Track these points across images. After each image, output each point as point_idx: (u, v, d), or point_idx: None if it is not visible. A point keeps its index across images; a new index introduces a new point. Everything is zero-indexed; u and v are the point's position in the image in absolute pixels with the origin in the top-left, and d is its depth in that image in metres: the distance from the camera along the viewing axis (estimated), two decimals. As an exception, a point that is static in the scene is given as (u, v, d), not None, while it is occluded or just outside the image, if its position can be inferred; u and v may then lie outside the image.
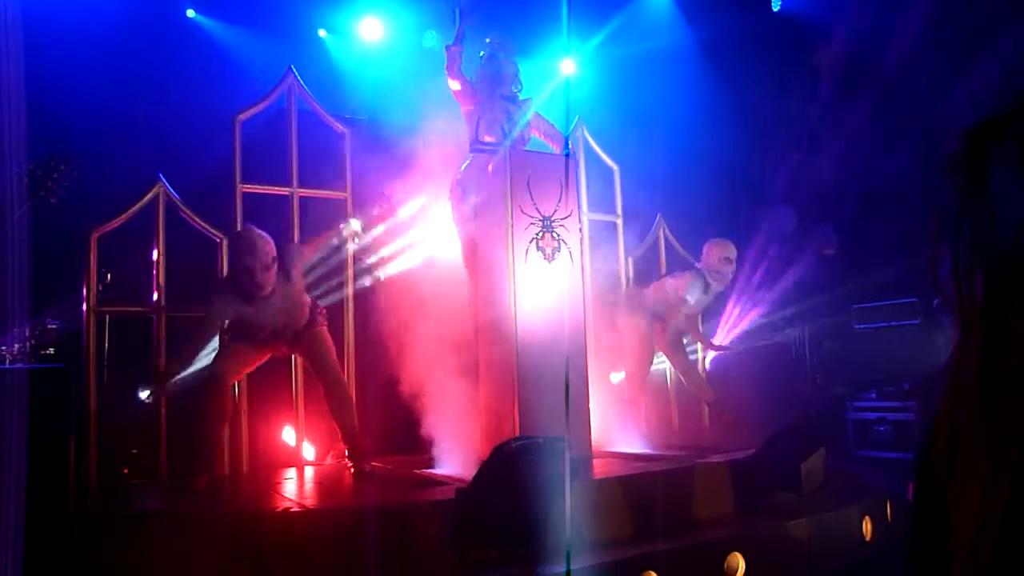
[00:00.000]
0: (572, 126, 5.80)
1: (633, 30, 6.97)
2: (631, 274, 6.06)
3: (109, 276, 4.99)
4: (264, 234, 4.04)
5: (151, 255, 4.60)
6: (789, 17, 7.49)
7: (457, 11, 4.91)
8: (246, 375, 4.49)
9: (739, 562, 3.38)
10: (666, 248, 6.27)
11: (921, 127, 5.28)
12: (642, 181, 6.31)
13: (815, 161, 6.65)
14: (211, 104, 5.30)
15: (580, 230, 4.52)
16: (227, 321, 4.19)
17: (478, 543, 3.10)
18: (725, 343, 6.27)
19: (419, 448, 4.53)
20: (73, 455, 3.44)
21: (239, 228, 4.56)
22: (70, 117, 4.87)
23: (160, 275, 4.56)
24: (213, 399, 4.13)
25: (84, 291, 4.36)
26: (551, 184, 4.34)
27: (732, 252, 5.58)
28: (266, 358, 4.38)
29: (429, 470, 4.27)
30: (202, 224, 4.72)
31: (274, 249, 4.05)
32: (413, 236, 5.17)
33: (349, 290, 5.09)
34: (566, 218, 4.37)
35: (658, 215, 6.31)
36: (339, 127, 5.28)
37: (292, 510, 3.41)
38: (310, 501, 3.78)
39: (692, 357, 6.14)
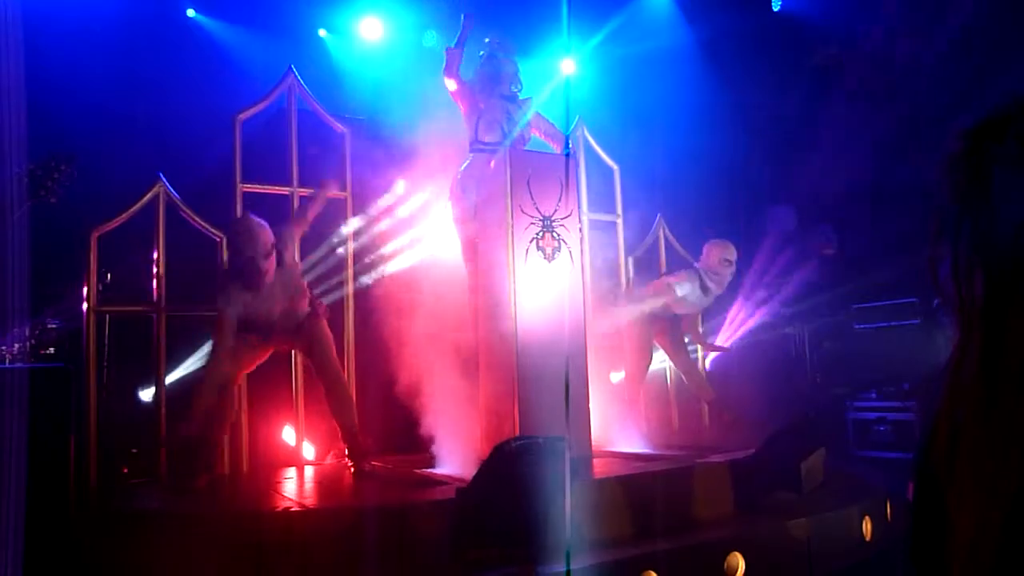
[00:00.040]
0: (572, 126, 5.80)
1: (633, 30, 6.97)
2: (631, 274, 6.06)
3: (109, 276, 4.99)
4: (262, 221, 4.05)
5: (151, 255, 4.60)
6: (789, 17, 7.48)
7: (463, 16, 4.92)
8: (246, 375, 4.49)
9: (739, 562, 3.38)
10: (666, 248, 6.27)
11: (921, 127, 5.28)
12: (642, 181, 6.32)
13: (815, 161, 6.65)
14: (211, 104, 5.30)
15: (580, 230, 4.52)
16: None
17: (478, 543, 3.10)
18: (725, 344, 6.27)
19: (419, 448, 4.53)
20: (73, 455, 3.44)
21: (237, 216, 4.56)
22: (70, 117, 4.87)
23: (160, 275, 4.56)
24: (217, 400, 4.14)
25: (84, 291, 4.36)
26: (551, 184, 4.34)
27: (732, 254, 5.55)
28: (268, 354, 4.38)
29: (429, 470, 4.27)
30: (202, 224, 4.72)
31: (272, 236, 4.06)
32: (413, 235, 5.18)
33: (349, 289, 5.09)
34: (566, 218, 4.37)
35: (658, 215, 6.31)
36: (339, 127, 5.28)
37: (292, 510, 3.41)
38: (310, 501, 3.78)
39: (692, 356, 6.14)
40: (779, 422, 4.34)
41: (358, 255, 5.19)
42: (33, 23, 4.36)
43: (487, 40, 4.96)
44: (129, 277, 4.99)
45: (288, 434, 5.06)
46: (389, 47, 6.85)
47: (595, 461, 4.32)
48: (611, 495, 3.56)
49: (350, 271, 5.12)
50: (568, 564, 2.87)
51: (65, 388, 3.44)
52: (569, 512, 2.98)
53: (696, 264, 5.71)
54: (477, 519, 3.09)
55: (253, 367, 4.35)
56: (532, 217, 4.26)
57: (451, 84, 4.80)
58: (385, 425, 4.95)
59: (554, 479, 3.08)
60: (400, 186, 5.25)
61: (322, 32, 6.94)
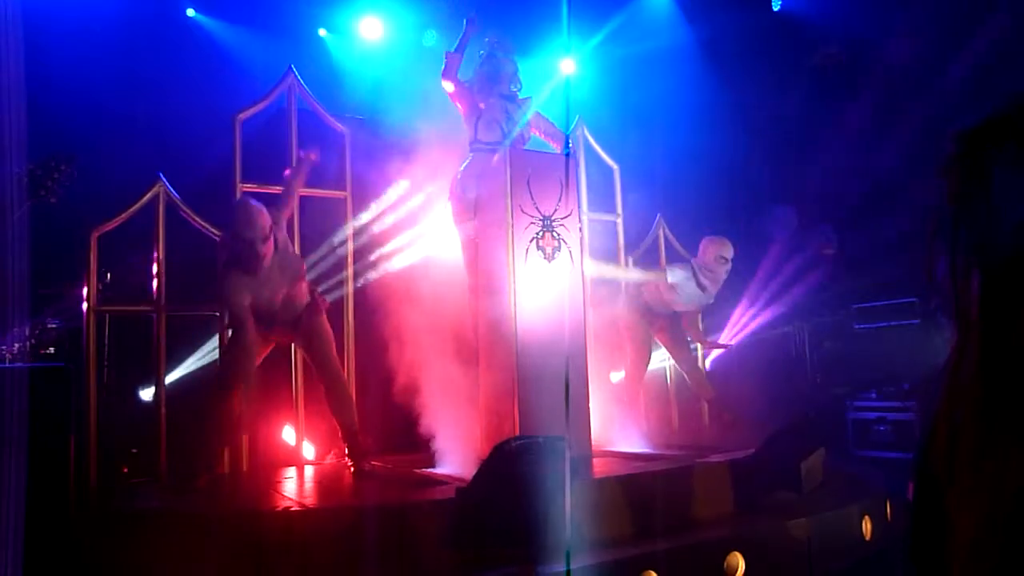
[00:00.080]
0: (572, 125, 5.80)
1: (633, 29, 6.97)
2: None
3: (109, 275, 4.99)
4: (260, 205, 4.05)
5: (151, 254, 4.60)
6: (789, 17, 7.48)
7: (465, 20, 4.92)
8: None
9: (739, 561, 3.38)
10: (666, 248, 6.27)
11: (922, 126, 5.28)
12: (642, 181, 6.31)
13: (815, 161, 6.65)
14: (211, 103, 5.30)
15: (580, 229, 4.52)
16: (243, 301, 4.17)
17: (478, 542, 3.10)
18: (725, 342, 6.27)
19: (419, 447, 4.53)
20: (73, 454, 3.44)
21: (237, 199, 4.55)
22: (70, 117, 4.87)
23: (160, 274, 4.56)
24: (223, 402, 4.14)
25: (84, 290, 4.36)
26: (551, 183, 4.34)
27: (728, 251, 5.51)
28: (269, 349, 4.36)
29: (429, 469, 4.27)
30: (202, 223, 4.72)
31: (269, 219, 4.06)
32: (413, 234, 5.18)
33: (349, 288, 5.10)
34: (566, 217, 4.37)
35: (658, 215, 6.31)
36: (339, 126, 5.28)
37: (292, 509, 3.41)
38: (310, 500, 3.78)
39: (693, 355, 6.13)
40: (779, 422, 4.34)
41: (358, 254, 5.19)
42: (33, 22, 4.36)
43: (486, 39, 4.96)
44: (129, 277, 4.99)
45: (288, 434, 5.06)
46: (389, 47, 6.85)
47: (595, 461, 4.32)
48: (611, 495, 3.56)
49: (350, 270, 5.12)
50: (568, 564, 2.87)
51: (65, 388, 3.44)
52: (569, 512, 2.98)
53: (692, 260, 5.69)
54: (477, 519, 3.09)
55: (257, 363, 4.34)
56: (532, 217, 4.26)
57: (448, 86, 4.80)
58: (385, 424, 4.95)
59: (554, 479, 3.08)
60: (400, 185, 5.25)
61: (322, 32, 6.94)
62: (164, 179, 4.63)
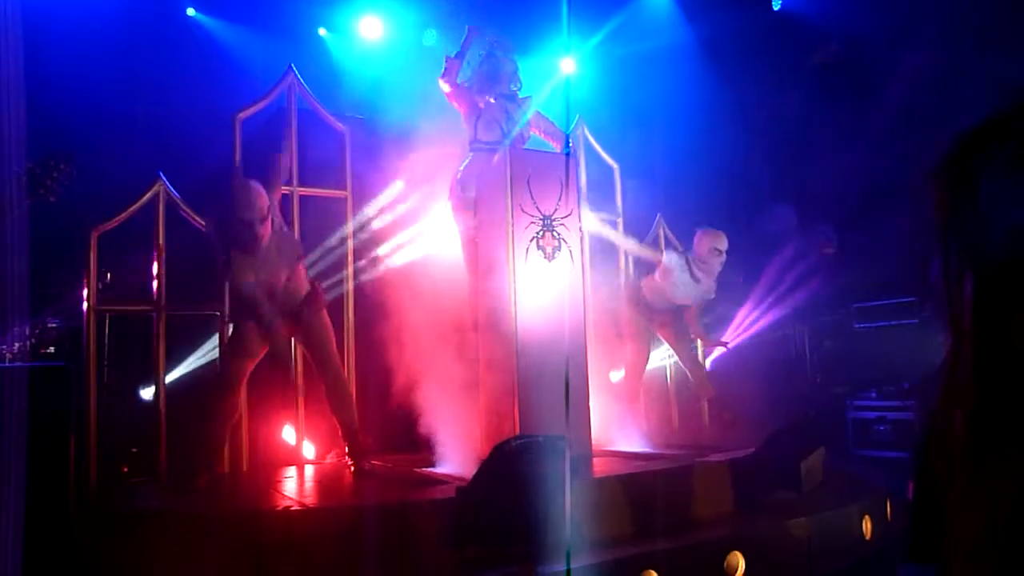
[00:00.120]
0: (572, 125, 5.80)
1: (633, 29, 6.97)
2: (631, 273, 6.06)
3: (109, 275, 4.99)
4: (259, 185, 4.04)
5: (151, 254, 4.60)
6: (789, 16, 7.48)
7: (467, 26, 4.91)
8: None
9: (739, 561, 3.38)
10: (666, 247, 6.26)
11: (922, 125, 5.28)
12: (642, 180, 6.31)
13: (815, 160, 6.65)
14: (211, 103, 5.30)
15: (580, 229, 4.52)
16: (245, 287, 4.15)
17: (478, 542, 3.10)
18: (727, 342, 6.25)
19: (419, 447, 4.53)
20: (73, 454, 3.44)
21: (236, 179, 4.54)
22: (70, 115, 4.86)
23: (160, 274, 4.56)
24: (222, 400, 4.15)
25: (84, 290, 4.36)
26: (551, 183, 4.34)
27: (723, 244, 5.49)
28: (268, 345, 4.34)
29: (429, 469, 4.26)
30: (202, 223, 4.72)
31: (268, 200, 4.05)
32: (414, 233, 5.17)
33: (349, 287, 5.09)
34: (566, 217, 4.37)
35: (658, 214, 6.31)
36: (339, 125, 5.28)
37: (292, 509, 3.41)
38: (310, 500, 3.78)
39: (694, 351, 6.12)
40: (779, 421, 4.34)
41: (358, 253, 5.19)
42: (33, 21, 4.36)
43: (486, 38, 4.95)
44: (129, 276, 4.99)
45: (288, 433, 5.06)
46: (389, 46, 6.85)
47: (595, 460, 4.32)
48: (611, 494, 3.56)
49: (350, 269, 5.12)
50: (568, 563, 2.87)
51: (65, 387, 3.44)
52: (569, 511, 2.98)
53: (687, 253, 5.68)
54: (477, 518, 3.09)
55: (257, 360, 4.33)
56: (532, 216, 4.26)
57: (446, 88, 4.80)
58: (385, 424, 4.96)
59: (554, 478, 3.08)
60: (400, 184, 5.24)
61: (322, 31, 6.93)
62: (164, 178, 4.62)
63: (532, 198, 4.27)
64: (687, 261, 5.55)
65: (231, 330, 4.38)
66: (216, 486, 4.14)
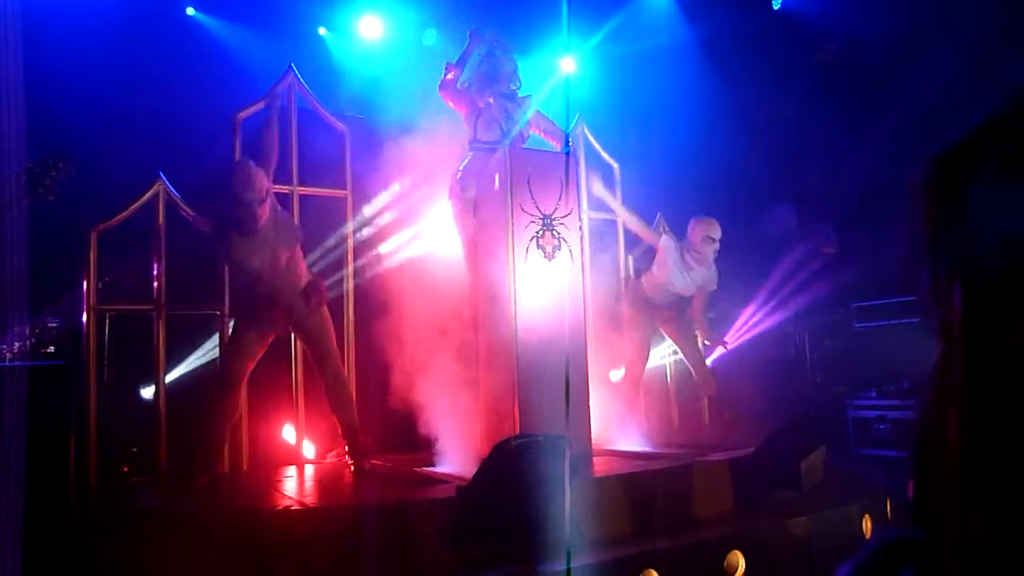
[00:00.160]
0: (572, 124, 5.79)
1: (633, 28, 6.97)
2: (631, 272, 6.06)
3: (109, 274, 4.99)
4: (257, 167, 4.03)
5: (151, 253, 4.60)
6: (789, 15, 7.48)
7: (468, 32, 4.91)
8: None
9: (739, 560, 3.38)
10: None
11: (922, 124, 5.28)
12: (643, 179, 6.31)
13: (815, 160, 6.65)
14: (211, 102, 5.30)
15: (580, 228, 4.52)
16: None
17: (478, 541, 3.09)
18: (729, 342, 6.24)
19: (419, 446, 4.53)
20: (73, 454, 3.44)
21: (236, 160, 4.52)
22: (69, 115, 4.86)
23: (160, 273, 4.56)
24: (223, 399, 4.14)
25: (84, 289, 4.36)
26: (551, 182, 4.34)
27: (716, 232, 5.46)
28: (270, 340, 4.34)
29: (429, 468, 4.26)
30: (205, 224, 4.72)
31: (267, 182, 4.04)
32: (414, 233, 5.17)
33: (349, 286, 5.09)
34: (566, 216, 4.37)
35: (658, 214, 6.30)
36: (339, 125, 5.28)
37: (292, 508, 3.41)
38: (310, 499, 3.78)
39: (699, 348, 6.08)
40: (779, 420, 4.33)
41: (358, 253, 5.18)
42: (33, 20, 4.35)
43: (486, 38, 4.95)
44: (129, 276, 4.99)
45: (288, 433, 5.06)
46: (389, 45, 6.84)
47: (595, 459, 4.32)
48: (611, 493, 3.56)
49: (350, 268, 5.12)
50: (568, 562, 2.86)
51: (65, 387, 3.43)
52: (569, 510, 2.98)
53: (680, 242, 5.66)
54: (477, 517, 3.09)
55: (258, 357, 4.32)
56: (532, 215, 4.26)
57: (445, 96, 4.80)
58: (385, 423, 4.95)
59: (554, 477, 3.08)
60: (400, 184, 5.24)
61: (322, 30, 6.93)
62: (164, 178, 4.62)
63: (532, 197, 4.27)
64: (681, 250, 5.55)
65: (231, 328, 4.37)
66: (216, 486, 4.14)
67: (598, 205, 5.99)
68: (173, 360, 4.88)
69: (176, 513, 3.53)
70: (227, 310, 4.64)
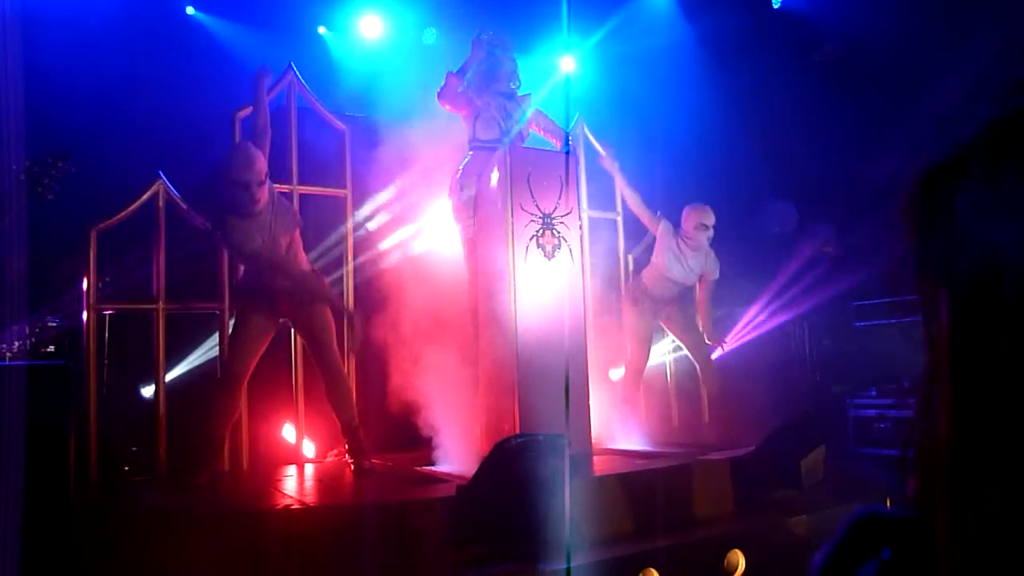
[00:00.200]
0: (572, 123, 5.79)
1: (633, 27, 6.96)
2: (631, 272, 6.05)
3: (109, 273, 4.99)
4: (256, 148, 4.03)
5: (151, 252, 4.60)
6: (789, 14, 7.47)
7: (472, 41, 4.90)
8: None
9: (739, 559, 3.38)
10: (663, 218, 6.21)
11: (923, 123, 5.27)
12: (643, 178, 6.30)
13: (815, 159, 6.64)
14: (211, 101, 5.29)
15: (580, 227, 4.52)
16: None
17: (479, 540, 3.10)
18: (729, 341, 6.22)
19: (419, 445, 4.53)
20: (73, 453, 3.44)
21: (236, 142, 4.51)
22: (69, 114, 4.86)
23: (160, 272, 4.56)
24: (224, 397, 4.14)
25: (84, 288, 4.35)
26: (551, 181, 4.34)
27: (709, 219, 5.46)
28: (272, 335, 4.33)
29: (429, 467, 4.27)
30: (202, 221, 4.72)
31: (266, 164, 4.04)
32: (413, 232, 5.17)
33: (349, 284, 5.09)
34: (566, 215, 4.36)
35: (658, 212, 6.29)
36: (339, 124, 5.28)
37: (292, 507, 3.41)
38: (310, 498, 3.78)
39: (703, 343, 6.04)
40: (779, 419, 4.33)
41: (358, 251, 5.18)
42: (32, 19, 4.35)
43: (485, 37, 4.95)
44: (129, 274, 4.99)
45: (288, 432, 5.06)
46: (389, 44, 6.84)
47: (595, 458, 4.32)
48: (611, 492, 3.56)
49: (350, 266, 5.12)
50: (568, 561, 2.86)
51: (65, 386, 3.43)
52: (569, 509, 2.98)
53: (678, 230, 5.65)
54: (477, 516, 3.09)
55: (260, 354, 4.31)
56: (532, 215, 4.26)
57: (444, 102, 4.79)
58: (385, 422, 4.95)
59: (554, 476, 3.08)
60: (400, 182, 5.24)
61: (321, 29, 6.92)
62: (164, 177, 4.62)
63: (532, 196, 4.27)
64: (676, 237, 5.55)
65: (233, 325, 4.36)
66: (216, 485, 4.14)
67: (598, 204, 5.99)
68: (173, 359, 4.88)
69: (176, 512, 3.53)
70: (227, 308, 4.64)
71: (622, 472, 3.81)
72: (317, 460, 5.00)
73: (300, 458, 4.93)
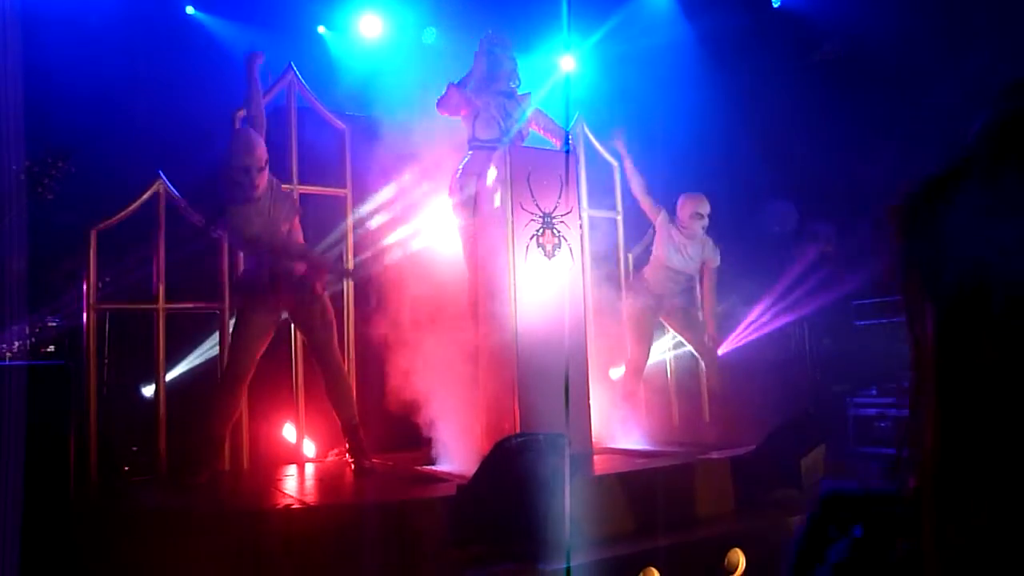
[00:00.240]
0: (572, 122, 5.79)
1: (633, 26, 6.95)
2: (631, 271, 6.05)
3: (109, 273, 4.99)
4: (256, 134, 4.04)
5: (151, 252, 4.60)
6: (789, 13, 7.47)
7: (475, 53, 4.90)
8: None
9: (739, 558, 3.38)
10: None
11: (923, 123, 5.27)
12: (643, 177, 6.30)
13: (815, 158, 6.64)
14: (211, 101, 5.29)
15: (580, 226, 4.51)
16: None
17: (479, 539, 3.10)
18: (729, 342, 6.21)
19: (419, 444, 4.53)
20: (73, 453, 3.44)
21: (236, 129, 4.51)
22: (69, 114, 4.86)
23: (160, 271, 4.56)
24: (224, 396, 4.14)
25: (84, 288, 4.35)
26: (551, 180, 4.34)
27: (704, 207, 5.47)
28: (273, 332, 4.33)
29: (430, 466, 4.27)
30: (202, 221, 4.71)
31: (266, 151, 4.05)
32: (413, 230, 5.17)
33: (349, 283, 5.09)
34: (566, 214, 4.36)
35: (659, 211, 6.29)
36: (339, 123, 5.28)
37: (293, 507, 3.41)
38: (311, 498, 3.78)
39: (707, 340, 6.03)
40: (779, 418, 4.33)
41: (358, 250, 5.18)
42: (32, 19, 4.35)
43: (484, 36, 4.95)
44: (129, 274, 4.99)
45: (289, 431, 5.06)
46: (389, 44, 6.83)
47: (595, 457, 4.32)
48: (612, 491, 3.56)
49: (350, 266, 5.11)
50: (569, 561, 2.87)
51: (65, 386, 3.43)
52: (570, 508, 2.98)
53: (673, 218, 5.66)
54: (478, 516, 3.09)
55: (264, 346, 4.29)
56: (532, 214, 4.26)
57: (443, 111, 4.79)
58: (385, 421, 4.95)
59: (555, 475, 3.08)
60: (400, 182, 5.24)
61: (321, 29, 6.92)
62: (164, 177, 4.62)
63: (532, 195, 4.27)
64: (671, 221, 5.56)
65: (235, 323, 4.35)
66: (217, 484, 4.14)
67: (598, 203, 5.98)
68: (173, 359, 4.88)
69: (176, 512, 3.52)
70: (227, 308, 4.64)
71: (622, 471, 3.81)
72: (317, 459, 5.00)
73: (300, 457, 4.93)
